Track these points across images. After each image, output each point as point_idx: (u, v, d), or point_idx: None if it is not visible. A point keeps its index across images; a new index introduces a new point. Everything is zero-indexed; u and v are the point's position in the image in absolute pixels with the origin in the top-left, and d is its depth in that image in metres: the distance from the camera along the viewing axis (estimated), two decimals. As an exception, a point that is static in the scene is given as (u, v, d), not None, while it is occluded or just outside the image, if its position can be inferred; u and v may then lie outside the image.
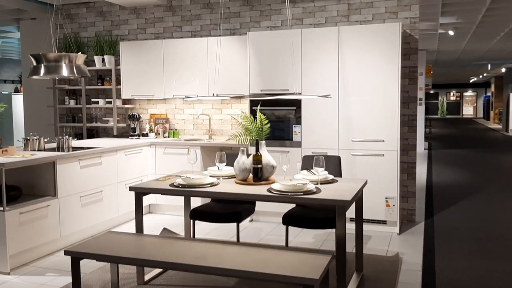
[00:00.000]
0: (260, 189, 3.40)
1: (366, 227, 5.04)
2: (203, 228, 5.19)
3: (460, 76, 27.09)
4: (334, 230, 5.05)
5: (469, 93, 36.24)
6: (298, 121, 5.22)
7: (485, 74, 24.68)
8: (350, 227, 5.04)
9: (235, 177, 3.82)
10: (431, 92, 30.80)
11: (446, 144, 15.24)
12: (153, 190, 3.57)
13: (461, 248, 4.50)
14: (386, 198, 4.91)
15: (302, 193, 3.23)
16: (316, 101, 5.12)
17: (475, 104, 36.00)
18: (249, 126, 3.68)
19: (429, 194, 7.04)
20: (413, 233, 4.96)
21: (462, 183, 8.03)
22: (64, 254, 3.05)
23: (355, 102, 4.97)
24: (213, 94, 3.94)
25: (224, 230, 5.13)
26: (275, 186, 3.39)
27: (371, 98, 4.91)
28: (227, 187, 3.49)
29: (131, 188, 3.61)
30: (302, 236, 4.87)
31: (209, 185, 3.54)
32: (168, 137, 6.38)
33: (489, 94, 30.11)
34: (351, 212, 4.85)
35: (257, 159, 3.56)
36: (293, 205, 4.54)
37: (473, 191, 7.27)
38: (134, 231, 5.08)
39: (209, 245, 3.08)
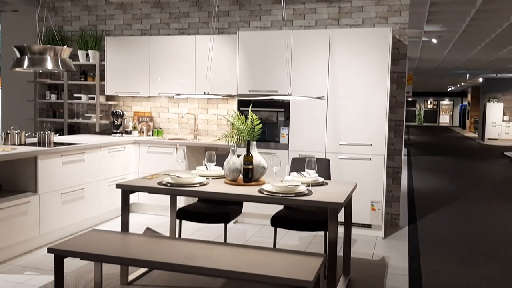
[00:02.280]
0: (251, 190, 3.35)
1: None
2: (188, 229, 5.11)
3: (438, 84, 27.58)
4: (319, 232, 5.04)
5: (446, 101, 36.95)
6: (286, 123, 5.19)
7: (462, 84, 25.18)
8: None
9: (224, 178, 3.77)
10: (409, 99, 31.29)
11: (424, 151, 15.45)
12: (141, 188, 3.49)
13: (445, 254, 4.53)
14: (372, 202, 4.91)
15: (293, 195, 3.19)
16: (305, 103, 5.10)
17: (451, 112, 36.72)
18: (241, 127, 3.63)
19: (411, 200, 7.10)
20: (397, 238, 4.98)
21: (442, 190, 8.13)
22: (48, 252, 2.94)
23: (344, 106, 4.97)
24: (204, 92, 3.88)
25: (208, 231, 5.06)
26: (266, 187, 3.34)
27: (360, 102, 4.92)
28: (217, 187, 3.43)
29: (117, 186, 3.52)
30: (287, 238, 4.83)
31: (198, 185, 3.47)
32: (152, 135, 6.28)
33: (465, 103, 30.74)
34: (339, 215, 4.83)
35: (248, 159, 3.51)
36: (280, 207, 4.50)
37: (453, 198, 7.36)
38: (116, 229, 4.96)
39: (198, 245, 3.02)
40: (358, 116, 4.92)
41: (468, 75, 19.32)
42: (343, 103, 4.97)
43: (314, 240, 4.83)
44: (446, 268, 4.12)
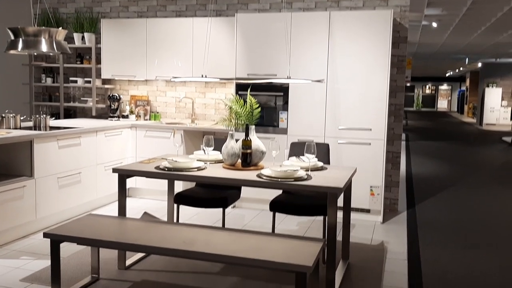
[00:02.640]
0: (249, 175, 3.31)
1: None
2: (185, 213, 5.08)
3: (436, 69, 27.46)
4: (317, 217, 5.02)
5: (444, 87, 36.84)
6: (285, 108, 5.13)
7: (461, 68, 25.07)
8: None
9: (222, 162, 3.72)
10: (408, 85, 31.15)
11: (422, 136, 15.43)
12: (138, 173, 3.44)
13: (444, 239, 4.52)
14: (371, 187, 4.88)
15: (292, 180, 3.15)
16: (304, 87, 5.03)
17: (450, 98, 36.64)
18: (239, 110, 3.57)
19: (409, 185, 7.08)
20: (396, 223, 4.96)
21: (440, 175, 8.11)
22: (44, 237, 2.90)
23: (344, 90, 4.91)
24: (202, 75, 3.81)
25: (206, 216, 5.03)
26: (265, 171, 3.30)
27: (359, 85, 4.86)
28: (215, 172, 3.39)
29: (114, 170, 3.47)
30: (286, 223, 4.81)
31: (196, 169, 3.43)
32: (149, 119, 6.21)
33: (463, 88, 30.66)
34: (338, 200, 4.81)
35: (247, 144, 3.46)
36: (279, 192, 4.47)
37: (452, 183, 7.35)
38: (113, 215, 4.93)
39: (196, 230, 2.99)
40: (357, 100, 4.87)
41: (467, 59, 19.22)
42: (343, 87, 4.90)
43: (312, 225, 4.81)
44: (445, 253, 4.11)
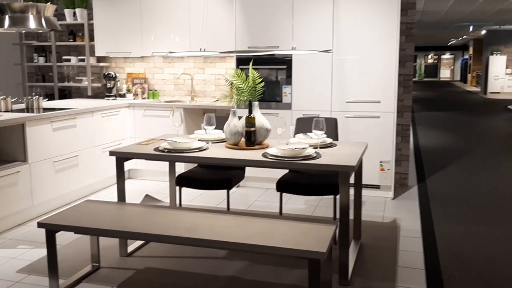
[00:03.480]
0: (254, 154, 3.11)
1: (358, 192, 4.83)
2: (188, 195, 4.90)
3: (439, 38, 26.94)
4: (326, 196, 4.83)
5: (446, 56, 36.29)
6: (288, 82, 4.89)
7: (464, 36, 24.58)
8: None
9: (225, 141, 3.52)
10: (410, 54, 30.60)
11: (427, 107, 15.17)
12: (136, 155, 3.24)
13: (457, 213, 4.34)
14: (380, 162, 4.68)
15: (301, 158, 2.95)
16: (308, 59, 4.78)
17: (452, 67, 36.13)
18: (241, 85, 3.34)
19: (418, 158, 6.89)
20: (407, 198, 4.78)
21: (449, 147, 7.91)
22: (38, 227, 2.72)
23: (350, 60, 4.66)
24: (201, 49, 3.57)
25: (210, 197, 4.85)
26: (271, 150, 3.10)
27: (367, 55, 4.60)
28: (218, 152, 3.18)
29: (111, 153, 3.27)
30: (292, 202, 4.63)
31: (197, 150, 3.22)
32: (147, 98, 5.98)
33: (466, 57, 30.17)
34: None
35: (250, 121, 3.24)
36: (284, 170, 4.28)
37: (461, 155, 7.15)
38: (113, 198, 4.76)
39: (199, 215, 2.80)
40: (365, 71, 4.62)
41: (471, 27, 18.76)
42: (349, 58, 4.65)
43: (320, 203, 4.63)
44: (459, 229, 3.94)
